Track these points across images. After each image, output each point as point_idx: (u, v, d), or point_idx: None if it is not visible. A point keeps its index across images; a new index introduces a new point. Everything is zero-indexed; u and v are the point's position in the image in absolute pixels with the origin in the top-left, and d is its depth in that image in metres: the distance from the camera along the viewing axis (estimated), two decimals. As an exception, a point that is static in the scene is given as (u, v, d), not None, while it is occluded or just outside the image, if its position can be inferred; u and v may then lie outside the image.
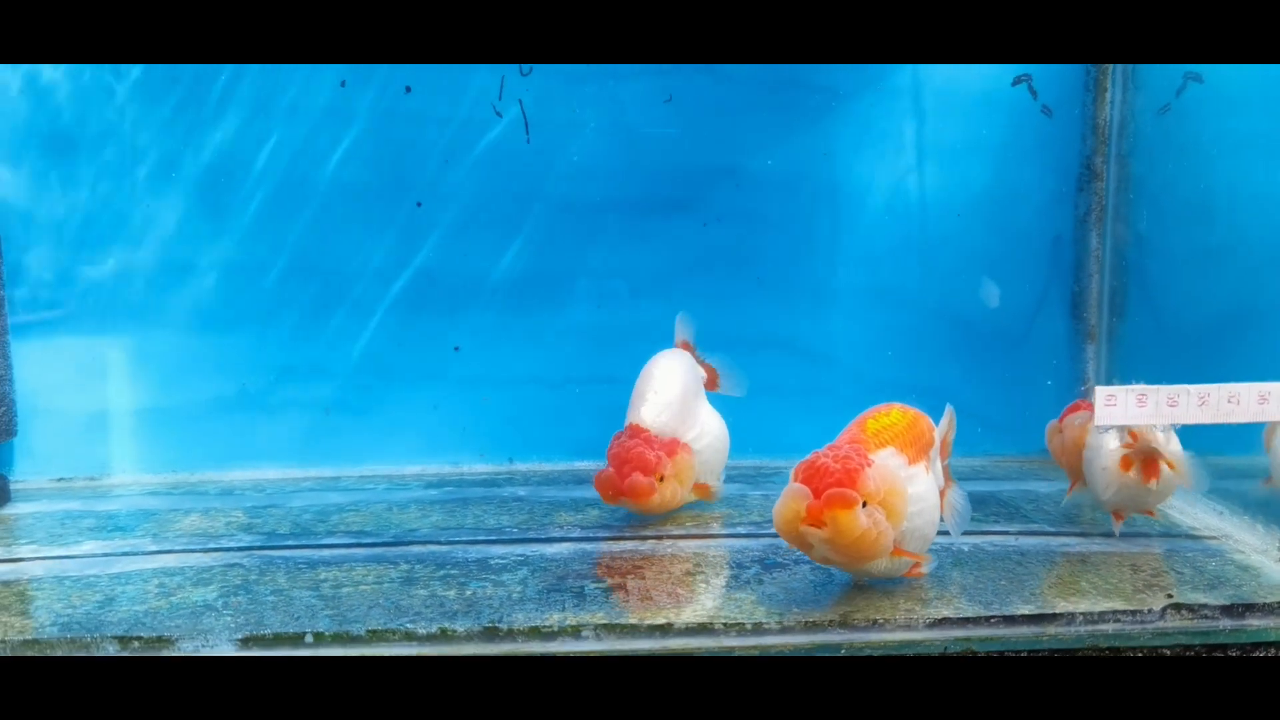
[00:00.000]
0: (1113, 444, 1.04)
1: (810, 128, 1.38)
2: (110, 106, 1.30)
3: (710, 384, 1.26)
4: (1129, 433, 1.08)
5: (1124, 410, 0.84)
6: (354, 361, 1.38)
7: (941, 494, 0.97)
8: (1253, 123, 1.14)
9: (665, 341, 1.38)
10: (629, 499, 1.10)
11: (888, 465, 0.87)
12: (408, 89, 1.33)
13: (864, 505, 0.85)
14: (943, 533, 1.00)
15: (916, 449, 0.92)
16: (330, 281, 1.36)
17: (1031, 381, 1.40)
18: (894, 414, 0.93)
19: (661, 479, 1.10)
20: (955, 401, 1.12)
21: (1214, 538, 1.10)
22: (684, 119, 1.36)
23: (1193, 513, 1.18)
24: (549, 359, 1.40)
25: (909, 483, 0.90)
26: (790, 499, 0.86)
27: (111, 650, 0.86)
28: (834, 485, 0.84)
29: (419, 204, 1.36)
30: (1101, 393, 0.85)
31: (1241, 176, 1.15)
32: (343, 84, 1.32)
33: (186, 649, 0.87)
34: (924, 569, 0.95)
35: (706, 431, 1.19)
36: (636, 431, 1.13)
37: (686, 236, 1.38)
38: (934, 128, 1.38)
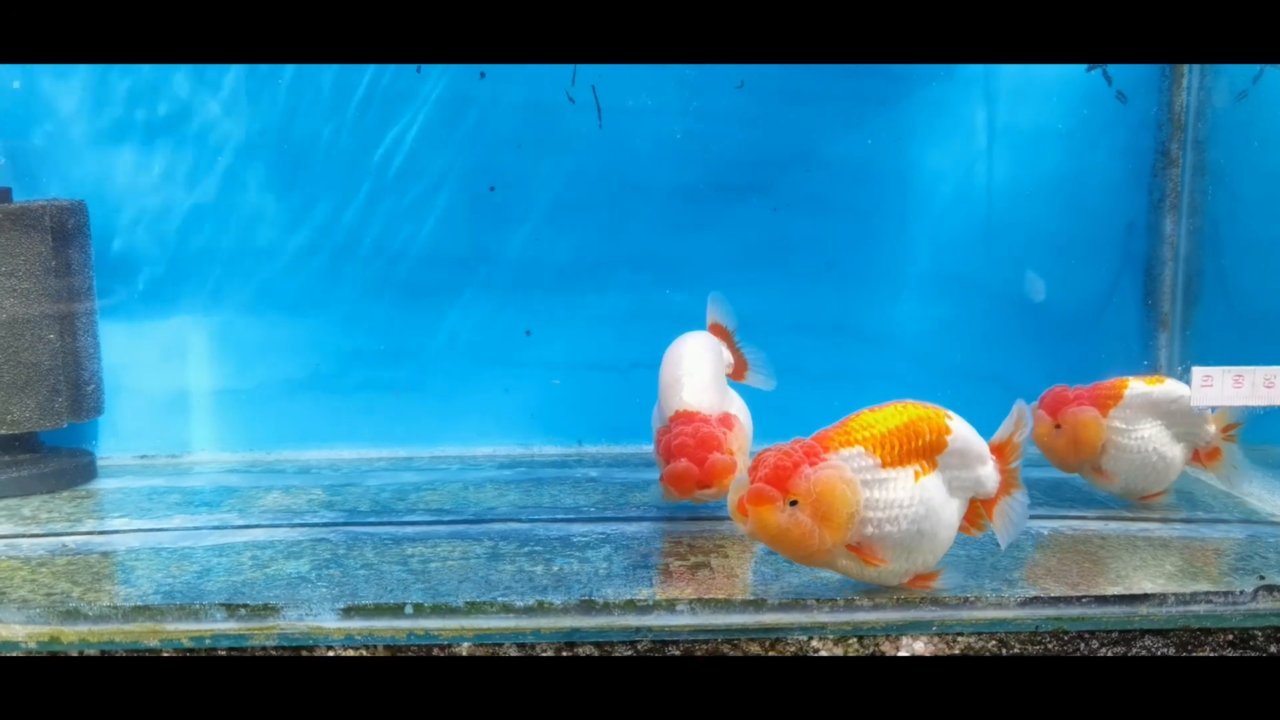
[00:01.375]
0: (1158, 431, 1.09)
1: (881, 114, 1.38)
2: (193, 95, 1.32)
3: (738, 373, 1.21)
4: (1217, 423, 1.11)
5: (1220, 391, 0.84)
6: (426, 344, 1.40)
7: (991, 501, 0.92)
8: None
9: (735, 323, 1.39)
10: (714, 482, 1.04)
11: (841, 466, 0.84)
12: (482, 75, 1.35)
13: (793, 504, 0.83)
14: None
15: (903, 452, 0.86)
16: (404, 265, 1.38)
17: (1102, 369, 1.38)
18: (886, 412, 0.88)
19: (731, 453, 1.05)
20: (1024, 389, 1.12)
21: (1296, 524, 1.10)
22: (756, 105, 1.36)
23: (1272, 500, 1.18)
24: (617, 343, 1.41)
25: (877, 486, 0.85)
26: (733, 489, 0.86)
27: (219, 617, 0.88)
28: (761, 480, 0.83)
29: (492, 188, 1.37)
30: (1198, 374, 0.86)
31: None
32: (418, 70, 1.34)
33: (291, 617, 0.89)
34: (934, 583, 0.91)
35: (740, 410, 1.15)
36: (688, 418, 1.07)
37: (756, 221, 1.39)
38: (1005, 113, 1.38)
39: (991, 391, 1.31)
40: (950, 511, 0.89)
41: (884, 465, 0.86)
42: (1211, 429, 1.13)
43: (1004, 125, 1.38)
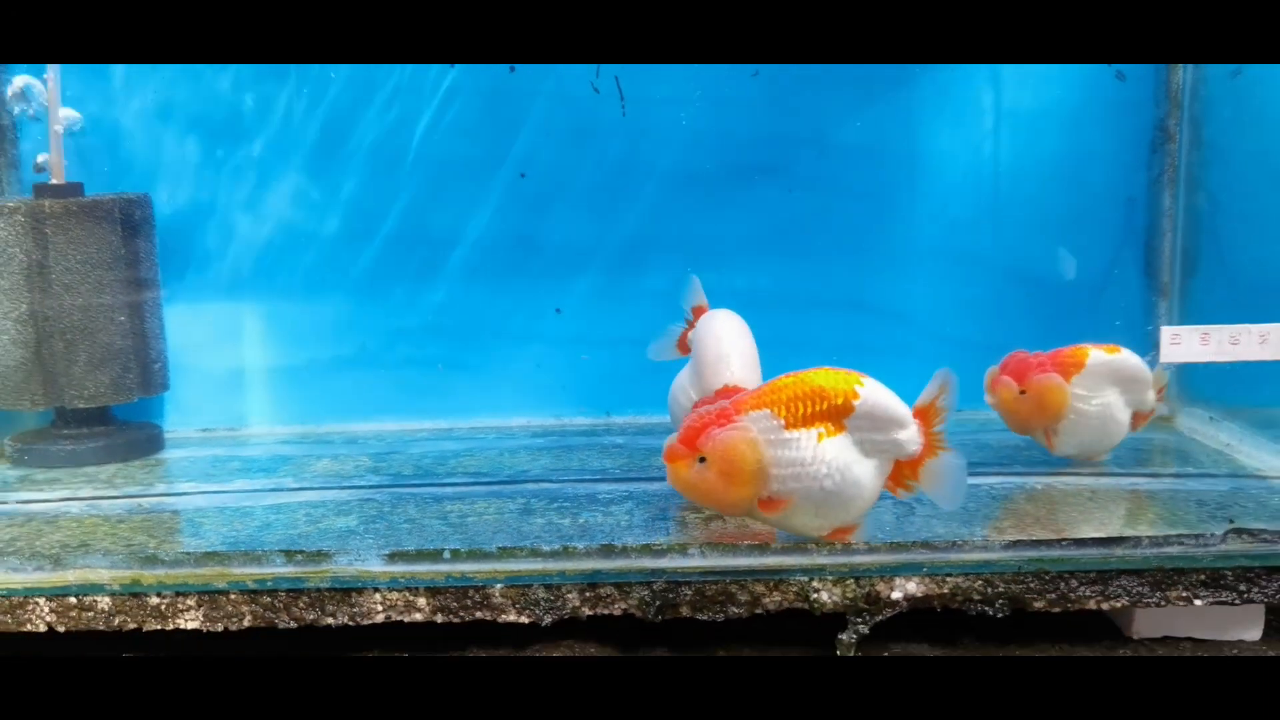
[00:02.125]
0: (1115, 398, 1.16)
1: (890, 96, 1.45)
2: (244, 90, 1.43)
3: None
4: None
5: (1188, 348, 0.91)
6: (464, 322, 1.50)
7: (917, 463, 0.95)
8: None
9: (752, 303, 1.47)
10: None
11: (747, 427, 0.92)
12: (512, 68, 1.44)
13: (702, 460, 0.91)
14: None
15: (808, 414, 0.93)
16: (442, 249, 1.48)
17: (1104, 338, 1.45)
18: (798, 377, 0.94)
19: None
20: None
21: (1278, 477, 1.16)
22: (770, 91, 1.44)
23: (1258, 455, 1.24)
24: (642, 321, 1.49)
25: (782, 446, 0.92)
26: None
27: (279, 562, 0.98)
28: (676, 439, 0.93)
29: (522, 175, 1.46)
30: (1167, 332, 0.92)
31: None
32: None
33: (341, 562, 0.99)
34: (851, 537, 0.97)
35: None
36: (734, 393, 1.09)
37: (771, 202, 1.47)
38: (1010, 94, 1.44)
39: (999, 360, 1.37)
40: (862, 471, 0.94)
41: (788, 427, 0.92)
42: (1152, 395, 1.20)
43: (1009, 106, 1.44)
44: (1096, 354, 1.18)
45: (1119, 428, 1.20)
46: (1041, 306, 1.47)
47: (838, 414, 0.93)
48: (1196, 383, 1.43)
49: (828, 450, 0.93)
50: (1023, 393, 1.17)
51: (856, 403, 0.93)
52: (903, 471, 0.96)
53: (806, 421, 0.93)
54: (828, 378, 0.94)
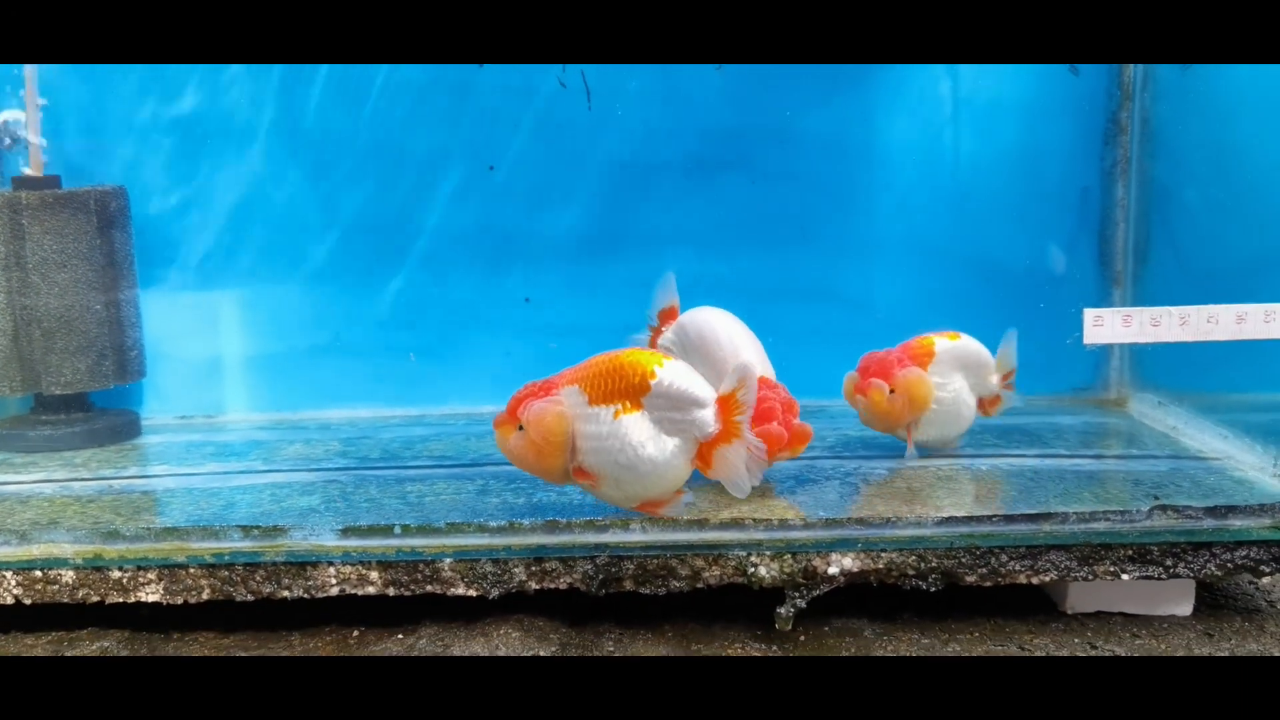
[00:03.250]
0: (962, 383, 1.19)
1: (850, 90, 1.48)
2: (220, 81, 1.47)
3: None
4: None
5: (1110, 330, 0.94)
6: (435, 312, 1.53)
7: (713, 445, 0.97)
8: (1270, 77, 1.21)
9: (719, 291, 1.49)
10: (798, 446, 1.10)
11: (560, 400, 0.99)
12: (481, 64, 1.47)
13: (521, 429, 0.99)
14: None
15: (607, 391, 0.98)
16: (413, 240, 1.51)
17: (1060, 325, 1.48)
18: (609, 356, 1.00)
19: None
20: (987, 346, 1.24)
21: (1216, 458, 1.19)
22: (733, 85, 1.47)
23: (1201, 438, 1.27)
24: (609, 310, 1.53)
25: (585, 420, 0.98)
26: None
27: (236, 537, 1.02)
28: (505, 409, 1.01)
29: (491, 168, 1.50)
30: (1089, 315, 0.95)
31: (1259, 128, 1.23)
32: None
33: (296, 537, 1.02)
34: (661, 510, 1.00)
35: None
36: (766, 384, 1.10)
37: (735, 194, 1.50)
38: (966, 87, 1.47)
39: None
40: (659, 448, 0.97)
41: (591, 402, 0.98)
42: (995, 379, 1.22)
43: (965, 98, 1.47)
44: (942, 342, 1.20)
45: (970, 412, 1.21)
46: (998, 293, 1.50)
47: (635, 392, 0.98)
48: (1147, 369, 1.46)
49: (623, 426, 0.97)
50: (892, 392, 1.17)
51: (653, 382, 0.97)
52: (704, 452, 0.98)
53: (607, 398, 0.98)
54: (630, 356, 0.99)
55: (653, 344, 1.23)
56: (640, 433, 0.97)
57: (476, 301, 1.53)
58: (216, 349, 1.52)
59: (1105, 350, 1.51)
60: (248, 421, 1.52)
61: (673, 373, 0.98)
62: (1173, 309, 0.95)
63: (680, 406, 0.97)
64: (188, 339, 1.52)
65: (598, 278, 1.52)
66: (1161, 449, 1.24)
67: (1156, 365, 1.44)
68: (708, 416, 0.97)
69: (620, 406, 0.97)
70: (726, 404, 0.97)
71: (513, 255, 1.52)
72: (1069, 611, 1.07)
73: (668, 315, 1.23)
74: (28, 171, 1.37)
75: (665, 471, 0.98)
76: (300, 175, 1.49)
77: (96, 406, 1.44)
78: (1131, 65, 1.44)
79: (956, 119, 1.48)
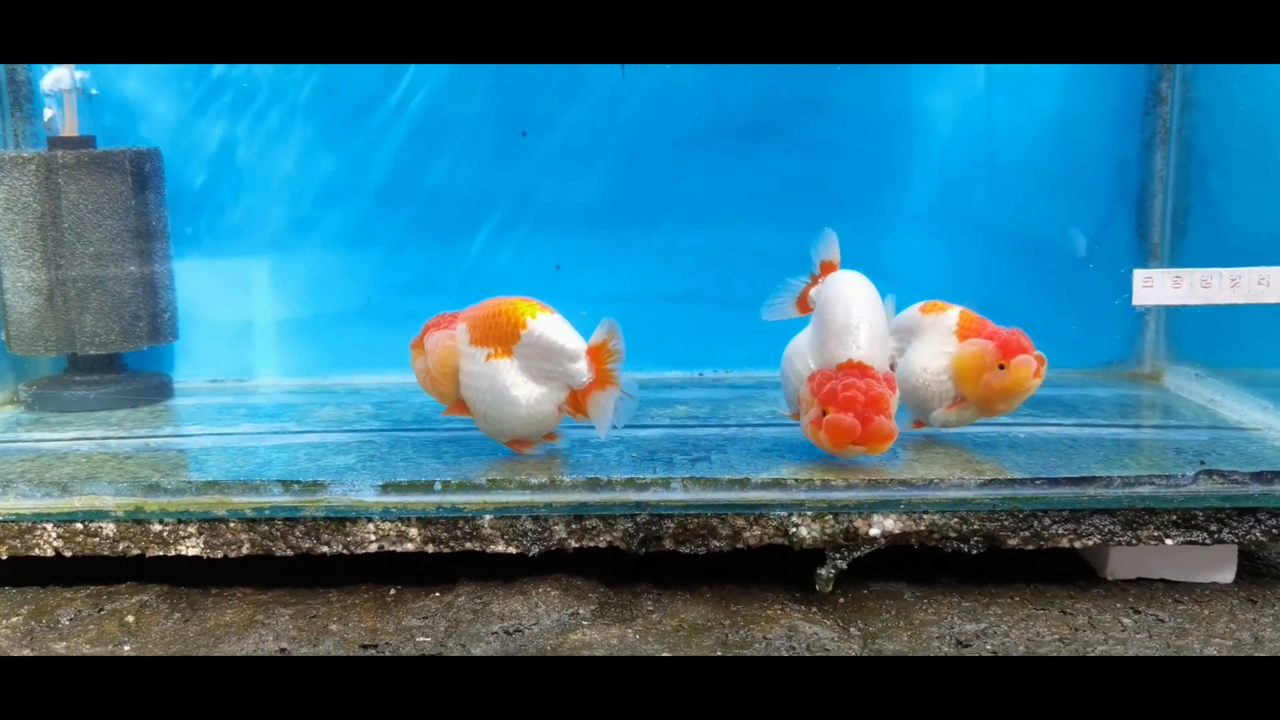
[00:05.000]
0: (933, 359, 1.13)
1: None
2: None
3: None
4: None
5: (1160, 291, 0.93)
6: (466, 278, 1.53)
7: (586, 392, 1.06)
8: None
9: (748, 260, 1.50)
10: (874, 445, 1.00)
11: (453, 334, 1.09)
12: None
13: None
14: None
15: (484, 335, 1.06)
16: (445, 206, 1.51)
17: (1096, 298, 1.48)
18: (495, 301, 1.08)
19: (892, 417, 1.01)
20: (1021, 318, 1.22)
21: (1257, 429, 1.18)
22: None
23: (1240, 409, 1.26)
24: (640, 277, 1.53)
25: (465, 358, 1.08)
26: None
27: (276, 492, 1.02)
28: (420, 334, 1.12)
29: (524, 133, 1.49)
30: (1139, 275, 0.94)
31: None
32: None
33: (336, 492, 1.02)
34: (525, 450, 1.11)
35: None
36: (861, 371, 1.02)
37: (768, 162, 1.49)
38: (1004, 57, 1.46)
39: (993, 319, 1.39)
40: (525, 393, 1.06)
41: (472, 342, 1.07)
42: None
43: (1001, 67, 1.46)
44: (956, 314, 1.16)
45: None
46: (1034, 266, 1.49)
47: (507, 339, 1.06)
48: (1183, 342, 1.45)
49: (493, 368, 1.06)
50: (1002, 367, 1.08)
51: (523, 332, 1.05)
52: (576, 398, 1.07)
53: (484, 340, 1.07)
54: (510, 305, 1.07)
55: (805, 293, 1.17)
56: (507, 377, 1.06)
57: (508, 268, 1.53)
58: (248, 313, 1.52)
59: (1140, 323, 1.50)
60: (278, 386, 1.52)
61: (545, 325, 1.05)
62: (1223, 270, 0.94)
63: (550, 357, 1.05)
64: (219, 303, 1.51)
65: (629, 245, 1.52)
66: (1200, 420, 1.23)
67: (1193, 338, 1.43)
68: (581, 368, 1.05)
69: (492, 350, 1.06)
70: (598, 353, 1.05)
71: (544, 222, 1.51)
72: (1109, 578, 1.06)
73: (828, 268, 1.15)
74: (64, 131, 1.37)
75: (525, 414, 1.07)
76: (334, 141, 1.49)
77: (129, 368, 1.44)
78: (1173, 35, 1.42)
79: (992, 89, 1.47)
